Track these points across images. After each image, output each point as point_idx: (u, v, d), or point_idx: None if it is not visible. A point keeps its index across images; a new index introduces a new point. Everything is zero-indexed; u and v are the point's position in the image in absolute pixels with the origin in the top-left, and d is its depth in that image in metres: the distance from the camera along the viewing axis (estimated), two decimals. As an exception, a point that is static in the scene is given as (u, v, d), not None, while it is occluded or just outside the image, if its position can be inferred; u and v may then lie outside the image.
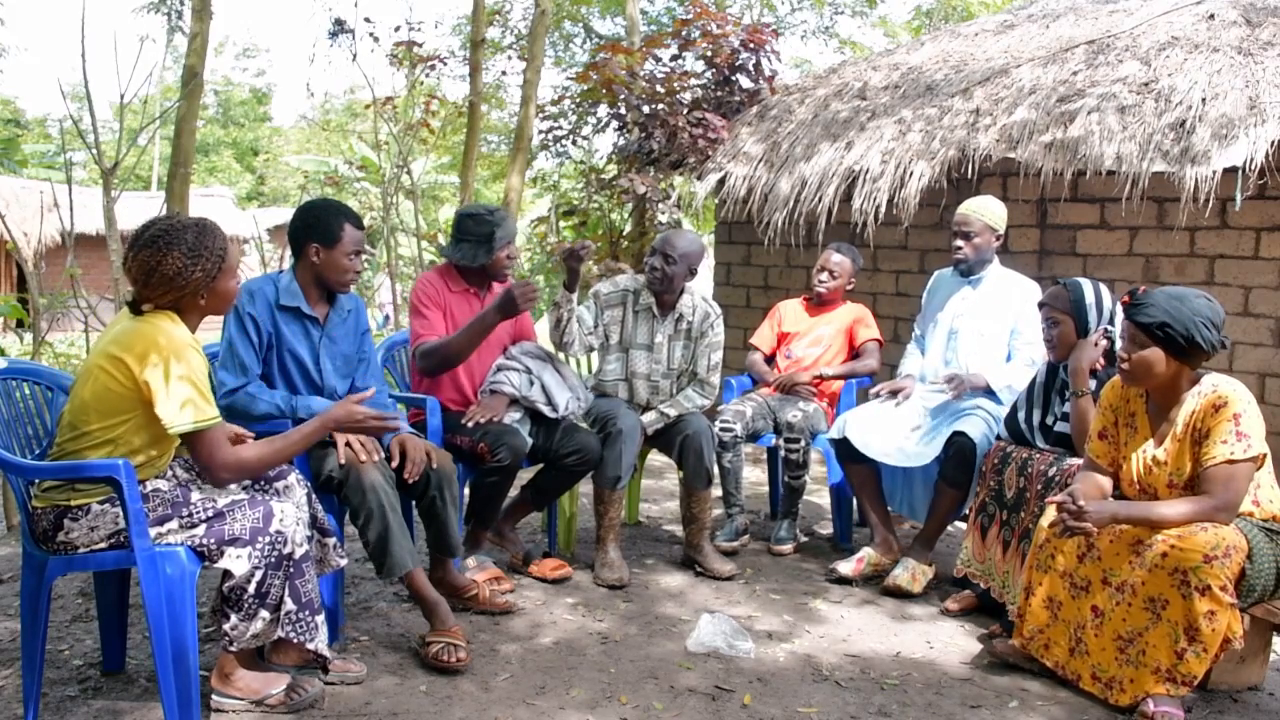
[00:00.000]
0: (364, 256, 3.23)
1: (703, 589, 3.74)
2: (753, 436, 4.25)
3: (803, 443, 4.12)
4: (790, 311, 4.60)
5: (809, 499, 4.81)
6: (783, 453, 4.19)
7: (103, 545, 2.50)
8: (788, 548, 4.16)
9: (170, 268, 2.46)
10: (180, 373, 2.42)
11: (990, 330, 3.93)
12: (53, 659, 2.93)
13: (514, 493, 3.91)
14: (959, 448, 3.61)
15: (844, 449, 3.93)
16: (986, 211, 3.94)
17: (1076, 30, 5.96)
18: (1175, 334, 2.73)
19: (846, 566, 3.83)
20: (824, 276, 4.48)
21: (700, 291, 4.11)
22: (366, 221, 4.98)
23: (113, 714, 2.63)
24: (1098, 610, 2.84)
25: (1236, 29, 5.18)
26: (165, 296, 2.50)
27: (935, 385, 3.94)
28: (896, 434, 3.85)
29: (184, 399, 2.41)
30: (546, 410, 3.67)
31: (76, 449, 2.50)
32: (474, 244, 3.67)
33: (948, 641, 3.29)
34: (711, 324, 4.01)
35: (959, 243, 3.95)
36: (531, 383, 3.70)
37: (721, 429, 4.11)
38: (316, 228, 3.11)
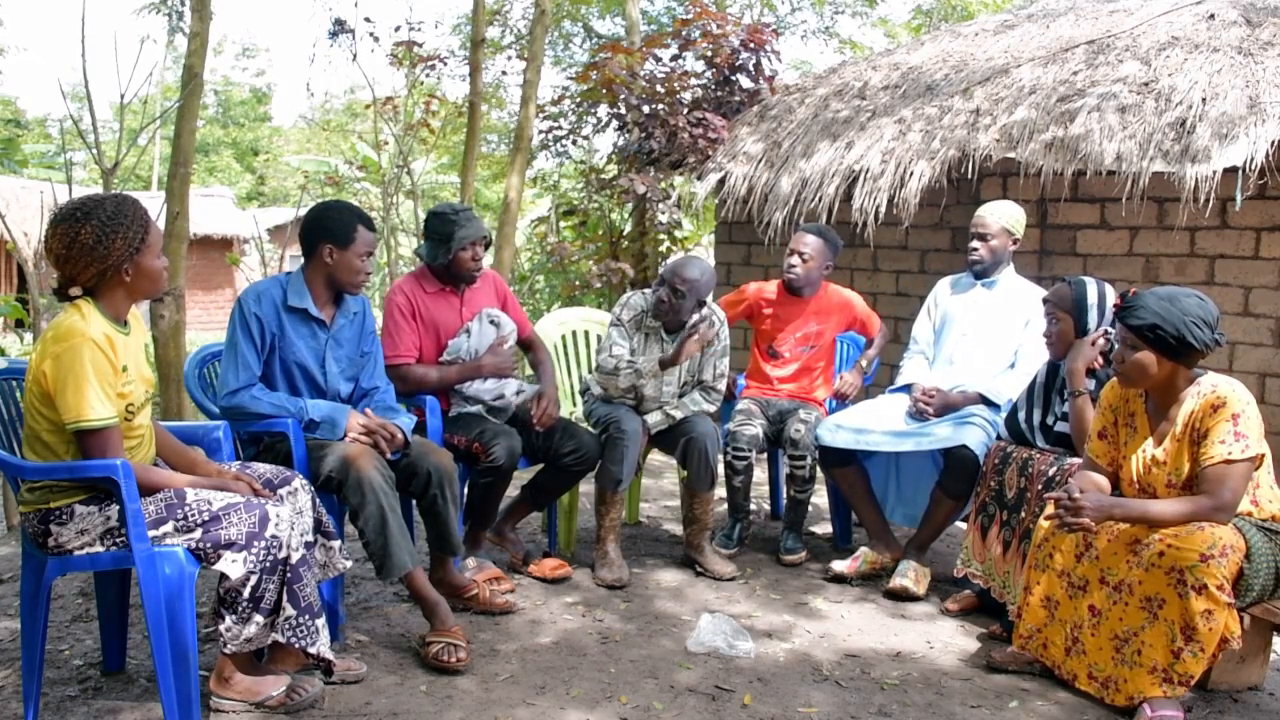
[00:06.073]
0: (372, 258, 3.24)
1: (703, 589, 3.74)
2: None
3: (809, 460, 3.99)
4: (769, 301, 4.34)
5: (808, 499, 4.79)
6: (788, 469, 4.08)
7: (97, 547, 2.49)
8: (798, 557, 4.05)
9: (89, 236, 2.42)
10: (65, 368, 2.37)
11: (998, 335, 3.90)
12: (53, 659, 2.94)
13: (514, 493, 3.92)
14: (960, 460, 3.60)
15: (827, 456, 3.93)
16: (1005, 215, 3.93)
17: (1076, 30, 5.95)
18: (1166, 335, 2.73)
19: (842, 565, 3.83)
20: (794, 261, 4.16)
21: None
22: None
23: (113, 714, 2.63)
24: (1095, 610, 2.84)
25: (1236, 29, 5.17)
26: (88, 272, 2.46)
27: (925, 396, 3.85)
28: (886, 424, 3.83)
29: (69, 396, 2.38)
30: (493, 401, 3.66)
31: (36, 450, 2.49)
32: (436, 243, 3.66)
33: (948, 641, 3.29)
34: (718, 333, 3.95)
35: (975, 244, 3.93)
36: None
37: (735, 456, 4.04)
38: (331, 229, 3.12)
